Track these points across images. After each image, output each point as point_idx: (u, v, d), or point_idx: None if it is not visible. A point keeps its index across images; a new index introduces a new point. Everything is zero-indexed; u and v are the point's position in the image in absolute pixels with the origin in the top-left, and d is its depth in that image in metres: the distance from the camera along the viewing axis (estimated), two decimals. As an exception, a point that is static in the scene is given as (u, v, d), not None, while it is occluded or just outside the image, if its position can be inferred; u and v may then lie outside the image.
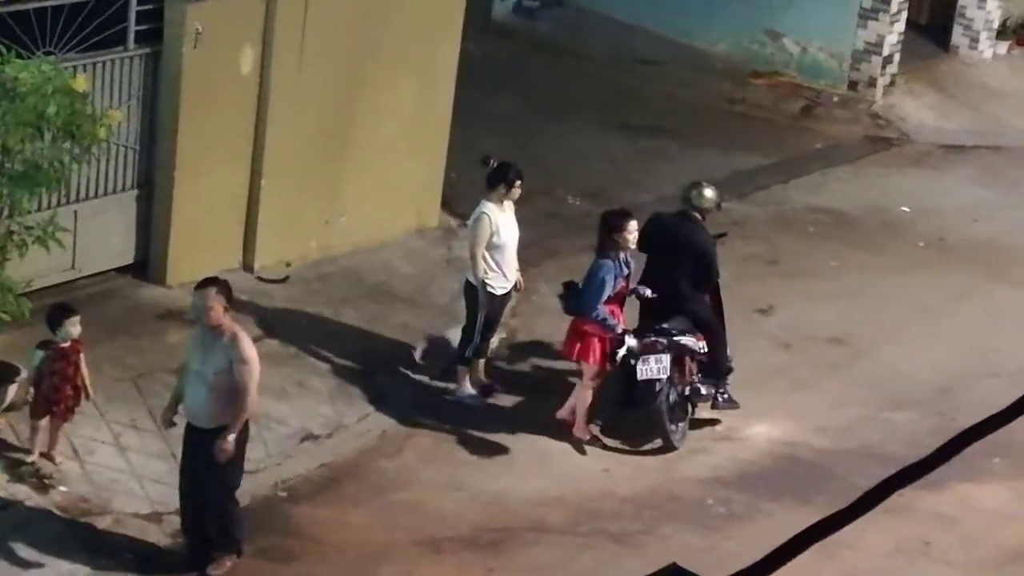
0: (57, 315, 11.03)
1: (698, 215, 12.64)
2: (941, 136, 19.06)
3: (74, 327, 10.98)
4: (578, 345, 12.29)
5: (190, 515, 10.55)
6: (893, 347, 14.24)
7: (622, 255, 12.25)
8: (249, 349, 10.18)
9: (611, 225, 12.25)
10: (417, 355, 13.14)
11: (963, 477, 11.78)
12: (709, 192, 12.72)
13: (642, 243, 12.40)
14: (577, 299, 12.26)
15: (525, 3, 20.71)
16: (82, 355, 11.06)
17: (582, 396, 12.36)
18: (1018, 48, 21.23)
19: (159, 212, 13.38)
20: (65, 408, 11.02)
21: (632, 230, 12.19)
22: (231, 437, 10.13)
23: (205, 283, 10.42)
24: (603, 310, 12.09)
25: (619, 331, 12.11)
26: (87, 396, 11.17)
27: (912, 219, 16.86)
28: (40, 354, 10.95)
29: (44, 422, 11.03)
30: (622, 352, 12.07)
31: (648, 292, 12.36)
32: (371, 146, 14.42)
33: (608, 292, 12.09)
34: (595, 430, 12.50)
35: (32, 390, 11.01)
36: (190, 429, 10.42)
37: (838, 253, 15.91)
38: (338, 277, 14.16)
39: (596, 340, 12.18)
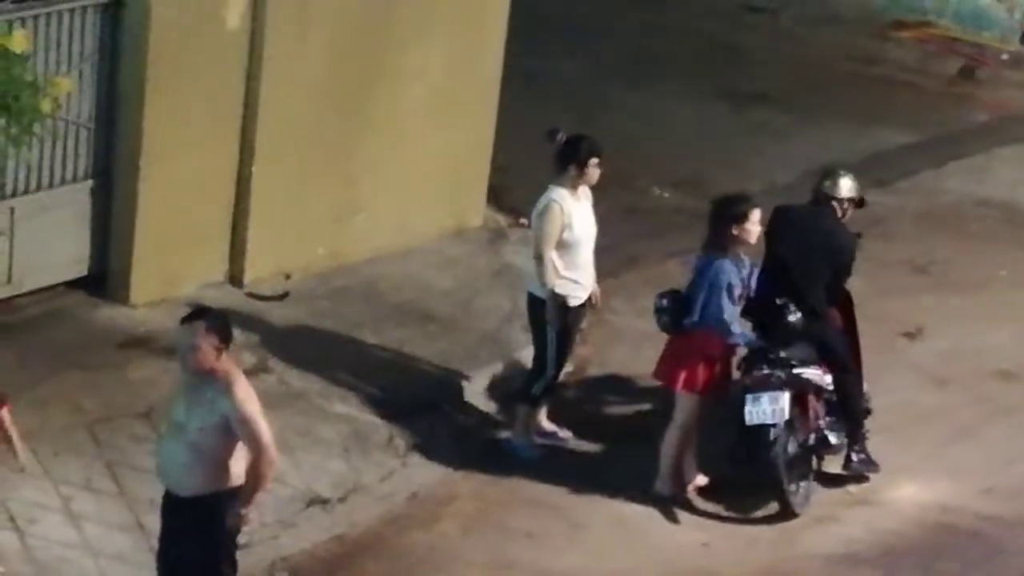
0: None
1: (835, 211, 12.69)
2: None
3: None
4: (682, 372, 12.31)
5: None
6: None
7: (740, 254, 12.28)
8: (249, 403, 10.15)
9: (730, 215, 12.27)
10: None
11: None
12: (848, 182, 12.78)
13: (766, 243, 12.46)
14: (692, 312, 12.24)
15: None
16: (5, 412, 10.97)
17: (673, 439, 12.40)
18: None
19: (120, 209, 13.50)
20: None
21: (755, 221, 12.26)
22: (245, 512, 10.15)
23: (192, 316, 10.44)
24: (738, 324, 12.19)
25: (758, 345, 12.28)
26: (16, 463, 11.10)
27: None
28: None
29: None
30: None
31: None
32: (395, 122, 14.53)
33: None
34: (700, 482, 12.51)
35: None
36: (167, 497, 10.44)
37: (1010, 259, 15.95)
38: (353, 293, 14.27)
39: (702, 364, 12.23)
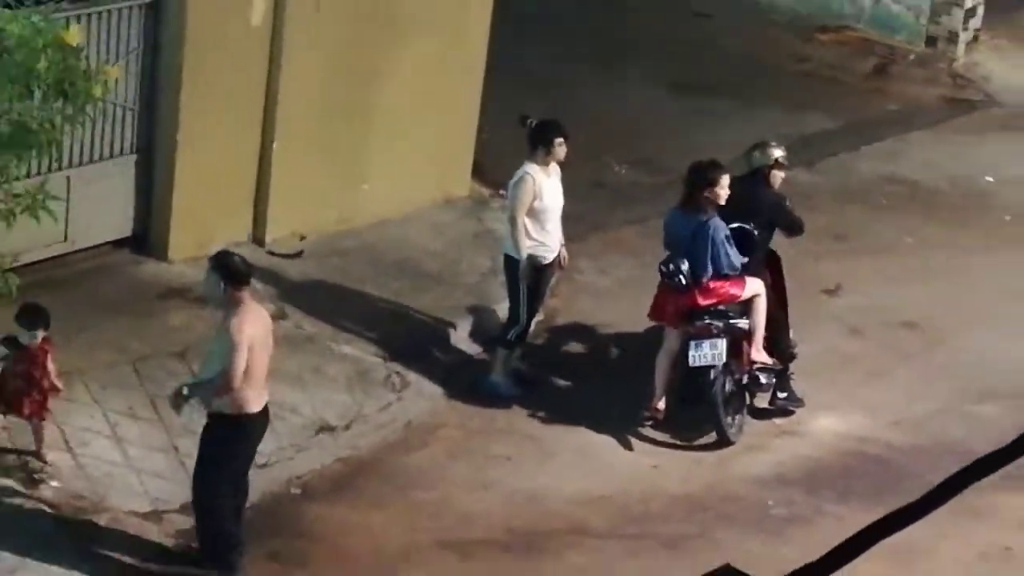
0: (25, 318, 11.02)
1: (768, 174, 12.78)
2: (1030, 97, 19.05)
3: (32, 336, 10.96)
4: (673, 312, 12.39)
5: None
6: (977, 333, 14.24)
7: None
8: (242, 326, 10.17)
9: (703, 180, 12.31)
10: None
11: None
12: (775, 151, 12.85)
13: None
14: (705, 269, 12.26)
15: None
16: (50, 355, 11.05)
17: (664, 363, 12.47)
18: (1119, -2, 21.19)
19: (160, 179, 13.45)
20: (33, 410, 11.06)
21: (724, 185, 12.29)
22: (183, 389, 10.34)
23: (211, 258, 10.57)
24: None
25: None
26: (57, 392, 11.18)
27: (997, 190, 16.85)
28: (2, 351, 11.00)
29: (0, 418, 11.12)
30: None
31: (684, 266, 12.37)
32: (397, 105, 14.47)
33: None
34: (661, 406, 12.50)
35: None
36: None
37: (914, 228, 15.92)
38: (358, 252, 14.23)
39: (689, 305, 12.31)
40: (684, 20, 19.58)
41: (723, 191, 12.28)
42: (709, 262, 12.26)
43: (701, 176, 12.35)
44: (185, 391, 10.36)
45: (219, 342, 10.32)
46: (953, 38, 19.44)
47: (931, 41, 19.49)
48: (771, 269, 12.89)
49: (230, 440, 10.39)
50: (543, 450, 12.36)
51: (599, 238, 14.66)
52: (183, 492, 10.83)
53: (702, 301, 12.29)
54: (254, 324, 10.21)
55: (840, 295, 14.54)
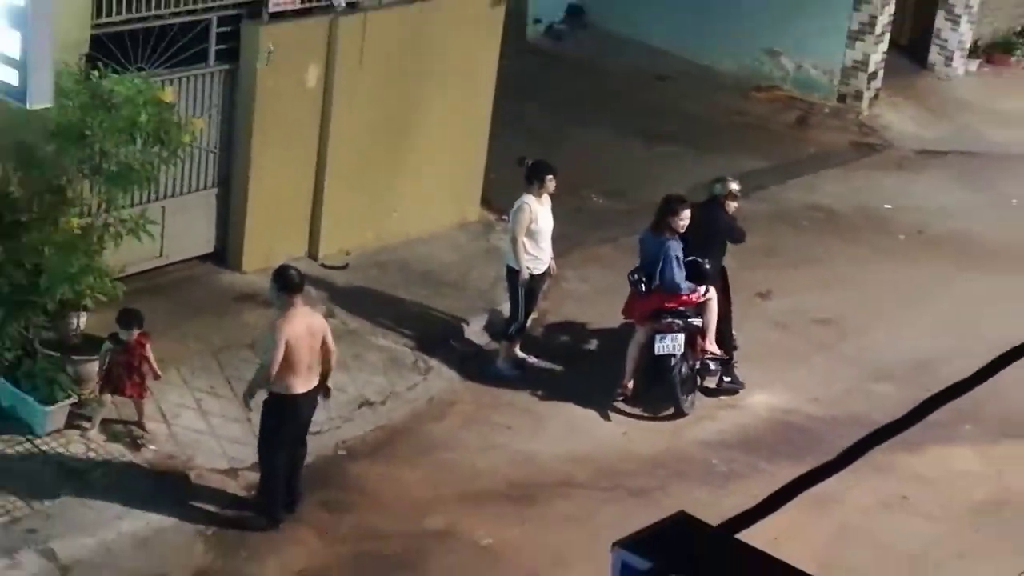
0: (122, 319, 11.01)
1: (723, 203, 12.71)
2: (919, 143, 18.97)
3: (131, 332, 10.93)
4: (642, 313, 12.31)
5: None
6: (877, 327, 14.21)
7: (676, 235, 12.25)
8: (274, 332, 10.13)
9: (669, 209, 12.24)
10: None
11: (937, 441, 11.80)
12: (732, 184, 12.81)
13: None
14: (654, 280, 12.20)
15: (555, 26, 20.71)
16: (148, 349, 11.04)
17: (634, 351, 12.38)
18: (987, 66, 21.15)
19: (235, 207, 13.41)
20: (134, 391, 11.02)
21: (685, 217, 12.21)
22: (247, 395, 10.50)
23: (273, 272, 10.61)
24: (684, 282, 12.20)
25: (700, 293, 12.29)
26: (156, 377, 11.16)
27: (893, 215, 16.80)
28: (110, 346, 10.98)
29: (107, 398, 11.05)
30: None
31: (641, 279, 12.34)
32: (420, 150, 14.42)
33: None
34: (630, 384, 12.43)
35: (99, 373, 11.01)
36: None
37: (829, 245, 15.87)
38: (391, 265, 14.17)
39: (655, 309, 12.22)
40: (648, 83, 19.56)
41: (683, 221, 12.20)
42: (658, 276, 12.22)
43: (668, 207, 12.30)
44: (249, 397, 10.49)
45: (265, 336, 10.39)
46: (859, 96, 19.41)
47: (842, 98, 19.47)
48: (721, 279, 12.85)
49: (281, 415, 10.35)
50: (537, 420, 12.32)
51: (580, 253, 14.62)
52: (253, 454, 10.80)
53: (667, 304, 12.25)
54: (294, 324, 10.13)
55: (770, 298, 14.47)
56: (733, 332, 12.89)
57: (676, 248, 12.17)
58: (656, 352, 12.22)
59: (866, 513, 11.38)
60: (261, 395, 10.44)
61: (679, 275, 12.17)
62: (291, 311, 10.16)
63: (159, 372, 11.15)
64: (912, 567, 10.82)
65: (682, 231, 12.24)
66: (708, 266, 12.43)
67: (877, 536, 11.18)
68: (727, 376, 12.81)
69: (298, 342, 10.11)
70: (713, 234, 12.58)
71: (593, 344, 13.42)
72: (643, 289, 12.28)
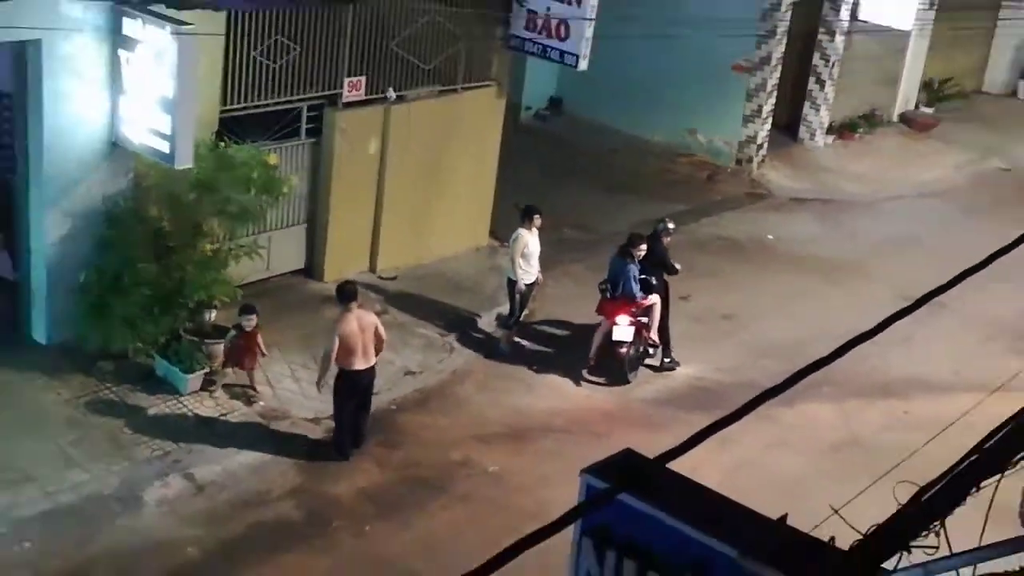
0: (243, 311, 11.00)
1: (662, 237, 12.70)
2: (792, 193, 18.84)
3: (249, 321, 10.90)
4: (610, 312, 12.22)
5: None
6: (763, 320, 14.17)
7: (635, 260, 12.27)
8: (335, 331, 10.08)
9: (631, 242, 12.29)
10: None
11: (805, 399, 11.78)
12: (671, 224, 12.87)
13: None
14: (617, 289, 12.18)
15: (540, 112, 20.68)
16: (259, 335, 11.01)
17: (597, 338, 12.32)
18: (839, 140, 21.15)
19: (318, 236, 13.39)
20: (249, 364, 11.00)
21: (642, 249, 12.25)
22: (316, 381, 10.35)
23: (336, 286, 10.57)
24: (639, 292, 12.18)
25: (646, 301, 12.22)
26: (263, 355, 11.15)
27: (775, 244, 16.75)
28: (232, 333, 10.98)
29: (229, 369, 11.04)
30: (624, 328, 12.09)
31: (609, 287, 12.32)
32: (447, 196, 14.41)
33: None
34: (592, 361, 12.37)
35: (224, 351, 11.01)
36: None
37: (730, 264, 15.81)
38: (428, 277, 14.12)
39: (618, 311, 12.16)
40: (605, 153, 19.52)
41: (640, 252, 12.23)
42: (620, 286, 12.22)
43: (630, 241, 12.33)
44: (320, 383, 10.37)
45: (330, 331, 10.30)
46: (751, 160, 19.33)
47: (739, 162, 19.35)
48: (664, 289, 12.82)
49: (344, 384, 10.34)
50: (529, 385, 12.29)
51: (559, 270, 14.58)
52: (330, 409, 10.75)
53: (625, 306, 12.22)
54: (348, 324, 10.12)
55: (690, 301, 14.42)
56: (668, 326, 12.85)
57: (634, 270, 12.18)
58: (614, 338, 12.22)
59: (757, 450, 11.38)
60: (332, 374, 10.40)
61: (635, 287, 12.17)
62: (347, 314, 10.17)
63: (265, 351, 11.14)
64: (790, 489, 10.83)
65: (640, 258, 12.24)
66: (654, 282, 12.43)
67: (764, 467, 11.17)
68: (667, 358, 12.78)
69: (351, 335, 10.11)
70: (657, 260, 12.56)
71: (568, 333, 13.41)
72: (608, 295, 12.25)
